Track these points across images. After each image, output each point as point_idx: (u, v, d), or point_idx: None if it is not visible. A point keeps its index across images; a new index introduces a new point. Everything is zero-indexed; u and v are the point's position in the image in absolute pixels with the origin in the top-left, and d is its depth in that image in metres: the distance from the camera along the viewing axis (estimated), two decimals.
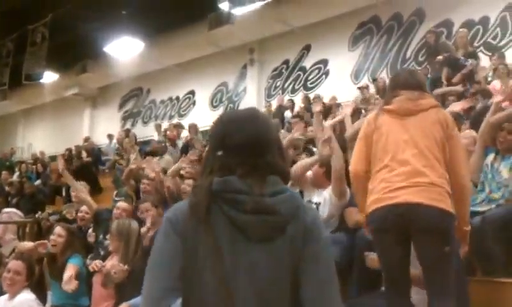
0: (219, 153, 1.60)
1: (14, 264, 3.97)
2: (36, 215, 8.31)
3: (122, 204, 5.40)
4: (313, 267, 1.54)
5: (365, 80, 12.56)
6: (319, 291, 1.53)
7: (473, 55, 9.32)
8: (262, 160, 1.57)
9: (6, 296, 3.91)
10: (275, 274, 1.51)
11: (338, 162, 3.95)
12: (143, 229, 4.68)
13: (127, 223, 4.25)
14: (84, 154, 13.59)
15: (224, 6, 12.86)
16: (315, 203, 4.18)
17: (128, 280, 3.83)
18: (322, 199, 4.18)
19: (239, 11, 12.69)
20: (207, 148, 1.91)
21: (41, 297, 4.63)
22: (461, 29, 10.62)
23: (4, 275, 3.99)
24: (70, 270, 4.29)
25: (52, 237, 4.63)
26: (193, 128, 12.84)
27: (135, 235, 4.14)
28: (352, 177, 3.15)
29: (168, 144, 12.46)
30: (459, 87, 8.30)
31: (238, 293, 1.47)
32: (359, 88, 11.45)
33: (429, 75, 9.39)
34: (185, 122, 14.17)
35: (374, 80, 12.04)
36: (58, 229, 4.68)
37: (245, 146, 1.58)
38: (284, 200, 1.54)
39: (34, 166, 14.89)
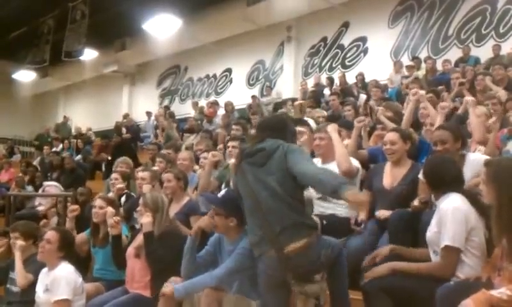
0: (253, 131, 3.45)
1: (47, 233, 4.12)
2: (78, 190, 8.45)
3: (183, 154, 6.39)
4: (292, 160, 3.05)
5: (405, 59, 12.33)
6: (297, 165, 3.03)
7: None
8: (270, 134, 3.26)
9: (46, 268, 4.05)
10: (269, 176, 3.09)
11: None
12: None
13: (160, 196, 4.35)
14: (123, 130, 13.79)
15: None
16: None
17: (160, 250, 3.98)
18: None
19: None
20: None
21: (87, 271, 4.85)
22: None
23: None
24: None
25: (93, 210, 4.75)
26: (230, 106, 12.90)
27: (166, 206, 4.27)
28: None
29: (204, 121, 12.57)
30: None
31: (258, 191, 3.11)
32: (407, 66, 11.18)
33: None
34: (222, 100, 14.21)
35: (415, 58, 11.77)
36: (99, 201, 4.79)
37: (260, 127, 3.44)
38: (270, 144, 3.17)
39: (74, 140, 15.18)
